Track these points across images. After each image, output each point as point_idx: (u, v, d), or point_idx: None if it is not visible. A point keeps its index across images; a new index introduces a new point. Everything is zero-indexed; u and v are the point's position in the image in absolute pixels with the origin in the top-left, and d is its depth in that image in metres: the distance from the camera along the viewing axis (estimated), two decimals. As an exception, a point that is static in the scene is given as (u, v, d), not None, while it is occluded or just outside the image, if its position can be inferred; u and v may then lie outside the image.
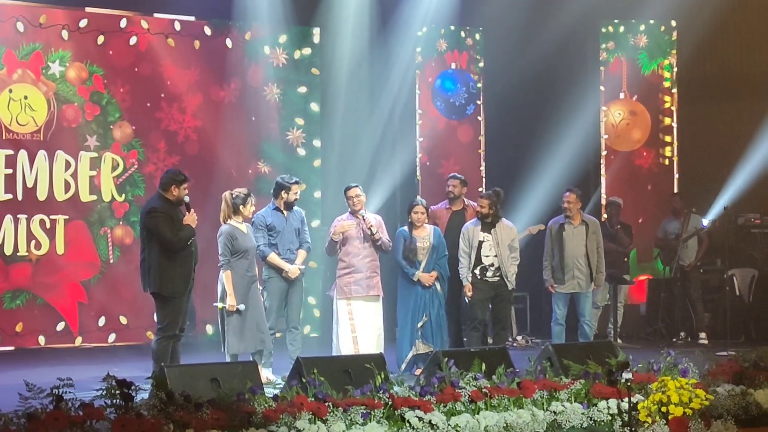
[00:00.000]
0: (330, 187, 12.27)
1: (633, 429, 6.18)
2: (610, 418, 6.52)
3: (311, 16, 12.46)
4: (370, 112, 12.70)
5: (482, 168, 13.15)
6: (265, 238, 9.35)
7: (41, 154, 11.15)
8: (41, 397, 5.17)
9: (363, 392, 6.03)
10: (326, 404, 5.77)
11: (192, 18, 11.99)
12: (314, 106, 12.62)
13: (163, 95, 11.78)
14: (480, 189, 12.35)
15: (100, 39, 11.51)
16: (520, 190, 12.51)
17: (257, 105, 12.26)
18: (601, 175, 13.33)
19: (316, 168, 12.61)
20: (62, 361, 10.58)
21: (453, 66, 13.18)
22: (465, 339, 10.22)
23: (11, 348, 10.99)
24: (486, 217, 9.92)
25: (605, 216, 12.64)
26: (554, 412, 6.45)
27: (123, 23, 11.62)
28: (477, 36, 13.28)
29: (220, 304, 8.94)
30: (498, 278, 9.88)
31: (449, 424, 5.99)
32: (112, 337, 11.44)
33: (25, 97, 11.12)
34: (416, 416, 5.93)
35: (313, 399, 5.84)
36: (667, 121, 13.60)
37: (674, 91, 13.59)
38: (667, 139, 13.59)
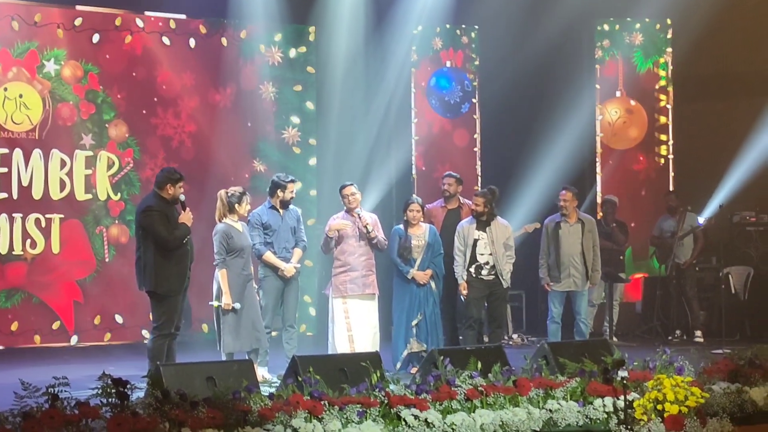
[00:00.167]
0: (326, 185, 12.28)
1: (629, 427, 6.19)
2: (605, 416, 6.50)
3: (307, 14, 12.46)
4: (365, 111, 12.70)
5: (478, 166, 13.15)
6: (260, 237, 9.34)
7: (36, 153, 11.14)
8: (37, 396, 5.15)
9: (359, 391, 6.02)
10: (322, 403, 5.76)
11: (186, 16, 11.97)
12: (310, 105, 12.62)
13: (155, 99, 11.77)
14: (475, 187, 12.33)
15: (95, 37, 11.50)
16: (516, 188, 12.52)
17: (253, 106, 12.26)
18: (597, 174, 13.34)
19: (312, 166, 12.61)
20: (58, 360, 10.59)
21: (448, 64, 13.17)
22: (461, 337, 10.22)
23: (7, 347, 10.96)
24: (481, 216, 9.91)
25: (601, 214, 12.63)
26: (550, 410, 6.44)
27: (118, 22, 11.61)
28: (472, 34, 13.26)
29: (215, 303, 8.94)
30: (493, 276, 9.87)
31: (445, 423, 5.97)
32: (107, 336, 11.43)
33: (20, 96, 11.10)
34: (412, 414, 5.91)
35: (308, 397, 5.83)
36: (663, 119, 13.60)
37: (669, 89, 13.59)
38: (663, 137, 13.59)
